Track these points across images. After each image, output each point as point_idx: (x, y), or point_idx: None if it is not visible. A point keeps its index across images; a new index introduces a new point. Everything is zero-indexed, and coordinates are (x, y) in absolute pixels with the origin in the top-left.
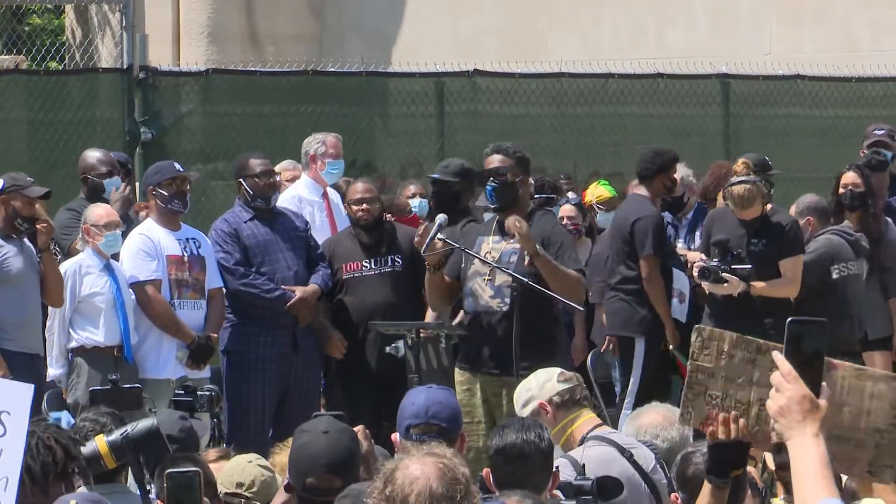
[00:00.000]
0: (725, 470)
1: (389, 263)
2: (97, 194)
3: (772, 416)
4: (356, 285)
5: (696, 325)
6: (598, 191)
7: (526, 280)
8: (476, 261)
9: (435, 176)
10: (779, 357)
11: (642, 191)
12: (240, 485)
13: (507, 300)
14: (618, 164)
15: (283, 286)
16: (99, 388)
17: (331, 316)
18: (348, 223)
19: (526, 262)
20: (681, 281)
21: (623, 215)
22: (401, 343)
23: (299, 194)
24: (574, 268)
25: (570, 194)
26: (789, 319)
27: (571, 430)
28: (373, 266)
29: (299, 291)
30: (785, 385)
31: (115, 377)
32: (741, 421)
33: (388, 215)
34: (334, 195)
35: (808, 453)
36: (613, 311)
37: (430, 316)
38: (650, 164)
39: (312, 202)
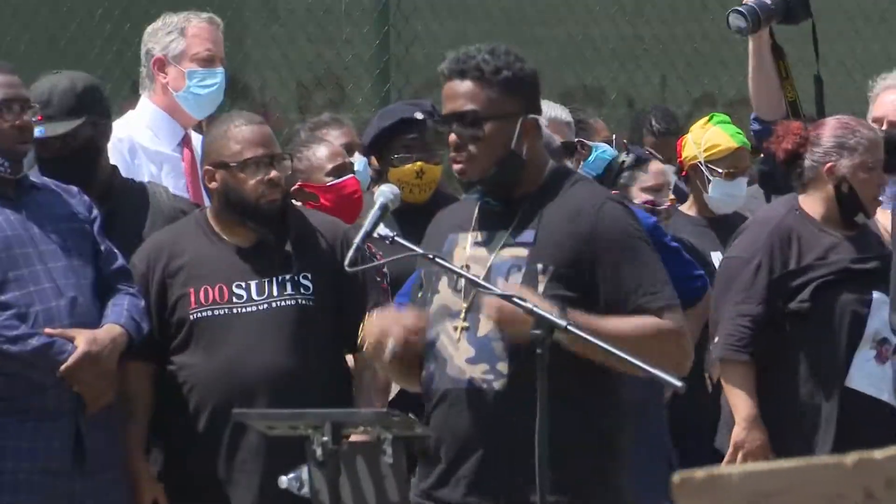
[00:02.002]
0: None
1: (290, 289)
2: None
3: None
4: (217, 332)
5: None
6: (712, 136)
7: (549, 316)
8: (443, 282)
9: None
10: None
11: None
12: None
13: (506, 364)
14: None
15: (46, 329)
16: None
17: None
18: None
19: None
20: None
21: None
22: (304, 471)
23: (131, 138)
24: (655, 304)
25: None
26: None
27: None
28: (255, 294)
29: (82, 340)
30: None
31: None
32: None
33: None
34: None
35: None
36: None
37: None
38: None
39: (160, 156)
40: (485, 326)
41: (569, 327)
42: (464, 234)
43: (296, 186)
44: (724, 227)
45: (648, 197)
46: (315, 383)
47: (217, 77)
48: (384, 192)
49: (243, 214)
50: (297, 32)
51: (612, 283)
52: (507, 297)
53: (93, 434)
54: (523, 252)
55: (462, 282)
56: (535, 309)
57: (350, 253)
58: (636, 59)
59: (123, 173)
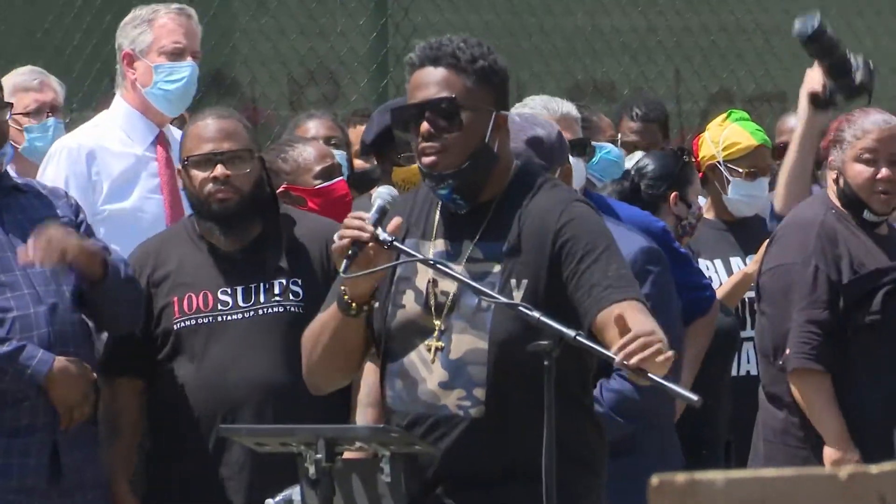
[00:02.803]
0: None
1: (277, 296)
2: None
3: None
4: (202, 342)
5: None
6: (730, 133)
7: (557, 326)
8: (409, 296)
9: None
10: None
11: None
12: None
13: (483, 390)
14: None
15: (21, 336)
16: None
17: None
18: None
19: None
20: None
21: None
22: (295, 491)
23: (98, 141)
24: (629, 294)
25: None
26: None
27: None
28: (241, 301)
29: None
30: None
31: None
32: None
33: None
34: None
35: None
36: None
37: (361, 416)
38: None
39: (131, 158)
40: (459, 348)
41: (577, 337)
42: (426, 242)
43: (281, 189)
44: (745, 231)
45: (700, 202)
46: (306, 396)
47: (185, 71)
48: (382, 194)
49: (200, 215)
50: (288, 24)
51: (578, 277)
52: (514, 307)
53: (71, 450)
54: (495, 266)
55: (433, 299)
56: (541, 318)
57: (346, 259)
58: (649, 52)
59: (81, 182)
